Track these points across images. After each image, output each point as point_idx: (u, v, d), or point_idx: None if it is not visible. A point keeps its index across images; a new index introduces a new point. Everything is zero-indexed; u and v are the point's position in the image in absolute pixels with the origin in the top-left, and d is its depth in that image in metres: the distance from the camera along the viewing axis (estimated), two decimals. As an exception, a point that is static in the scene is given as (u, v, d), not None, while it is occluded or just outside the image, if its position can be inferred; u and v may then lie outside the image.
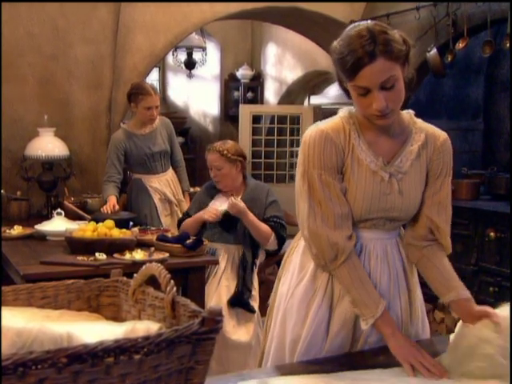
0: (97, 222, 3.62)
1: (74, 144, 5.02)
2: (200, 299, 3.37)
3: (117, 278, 1.60)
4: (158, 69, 9.46)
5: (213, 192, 3.78)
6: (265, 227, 3.56)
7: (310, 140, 1.91)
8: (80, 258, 3.31)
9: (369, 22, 1.83)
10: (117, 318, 1.55)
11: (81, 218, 4.16)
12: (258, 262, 3.76)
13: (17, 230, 4.02)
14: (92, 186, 5.08)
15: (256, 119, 8.12)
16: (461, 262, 5.16)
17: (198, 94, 9.25)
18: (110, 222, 3.57)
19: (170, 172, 4.81)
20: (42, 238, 3.88)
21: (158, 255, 3.40)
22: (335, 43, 1.82)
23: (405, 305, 2.03)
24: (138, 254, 3.38)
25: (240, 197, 3.68)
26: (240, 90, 8.64)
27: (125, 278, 1.59)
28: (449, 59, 5.22)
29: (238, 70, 8.62)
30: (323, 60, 6.70)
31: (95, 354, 1.07)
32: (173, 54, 8.16)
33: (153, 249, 3.52)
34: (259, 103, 8.59)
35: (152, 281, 1.45)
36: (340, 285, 1.94)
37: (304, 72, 7.74)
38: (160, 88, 9.81)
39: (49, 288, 1.53)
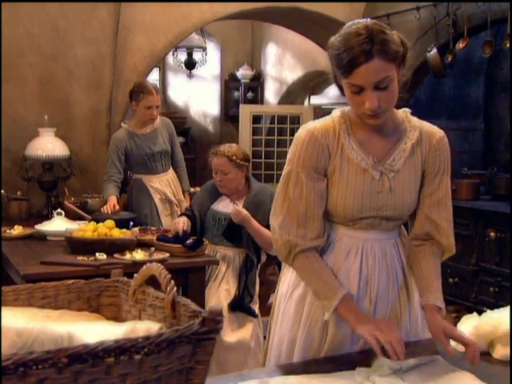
0: (97, 222, 3.62)
1: (74, 144, 5.02)
2: (200, 299, 3.37)
3: (117, 278, 1.60)
4: (158, 69, 9.45)
5: (215, 194, 3.74)
6: (268, 233, 3.47)
7: (298, 139, 1.94)
8: (80, 258, 3.31)
9: (368, 20, 1.83)
10: (117, 318, 1.55)
11: (81, 218, 4.16)
12: (259, 265, 3.74)
13: (17, 230, 4.02)
14: (92, 186, 5.08)
15: (256, 119, 8.11)
16: (461, 262, 5.16)
17: (198, 94, 9.25)
18: (110, 222, 3.57)
19: (171, 172, 4.81)
20: (42, 238, 3.88)
21: (158, 255, 3.40)
22: (333, 39, 1.83)
23: (404, 305, 2.02)
24: (139, 254, 3.38)
25: (243, 200, 3.65)
26: (240, 90, 8.64)
27: (125, 278, 1.59)
28: (449, 59, 5.22)
29: (238, 70, 8.61)
30: (323, 60, 6.70)
31: (96, 354, 1.07)
32: (173, 54, 8.16)
33: (153, 249, 3.52)
34: (259, 103, 8.59)
35: (152, 281, 1.45)
36: (300, 279, 1.98)
37: (304, 72, 7.74)
38: (160, 88, 9.80)
39: (49, 288, 1.53)
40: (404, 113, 2.03)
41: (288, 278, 2.09)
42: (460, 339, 1.78)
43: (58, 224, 3.89)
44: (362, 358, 1.82)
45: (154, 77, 9.46)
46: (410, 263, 2.02)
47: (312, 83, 7.99)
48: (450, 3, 5.13)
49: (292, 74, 8.00)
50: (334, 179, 1.93)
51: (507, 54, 5.74)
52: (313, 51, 6.98)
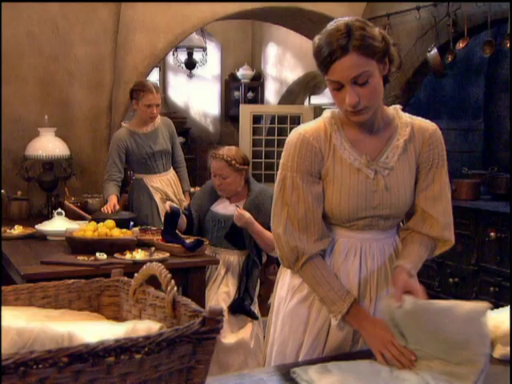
0: (97, 221, 3.62)
1: (74, 144, 5.02)
2: (200, 299, 3.37)
3: (117, 277, 1.60)
4: (158, 69, 9.46)
5: (214, 195, 3.73)
6: (270, 235, 3.43)
7: (289, 143, 1.94)
8: (80, 257, 3.31)
9: (351, 18, 1.83)
10: (117, 317, 1.55)
11: (81, 218, 4.16)
12: (260, 267, 3.73)
13: (17, 230, 4.02)
14: (92, 186, 5.08)
15: (256, 119, 8.11)
16: (461, 262, 5.16)
17: (198, 94, 9.25)
18: (110, 222, 3.57)
19: (171, 172, 4.81)
20: (42, 237, 3.88)
21: (158, 255, 3.40)
22: (316, 37, 1.83)
23: None
24: (139, 254, 3.38)
25: (243, 202, 3.63)
26: (240, 90, 8.63)
27: (125, 278, 1.59)
28: (449, 59, 5.21)
29: (238, 70, 8.61)
30: (323, 60, 6.69)
31: (96, 354, 1.07)
32: (173, 54, 8.16)
33: (153, 249, 3.52)
34: (259, 103, 8.59)
35: (153, 280, 1.45)
36: (307, 285, 1.97)
37: (304, 72, 7.74)
38: (160, 88, 9.79)
39: (49, 288, 1.53)
40: (395, 109, 2.02)
41: (287, 282, 2.08)
42: (415, 292, 1.81)
43: (58, 224, 3.89)
44: (364, 358, 1.82)
45: (154, 77, 9.46)
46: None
47: (312, 83, 7.99)
48: (450, 3, 5.13)
49: (292, 74, 8.00)
50: (328, 181, 1.93)
51: (507, 53, 5.74)
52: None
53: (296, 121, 7.87)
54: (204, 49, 8.27)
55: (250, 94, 8.59)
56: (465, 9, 5.07)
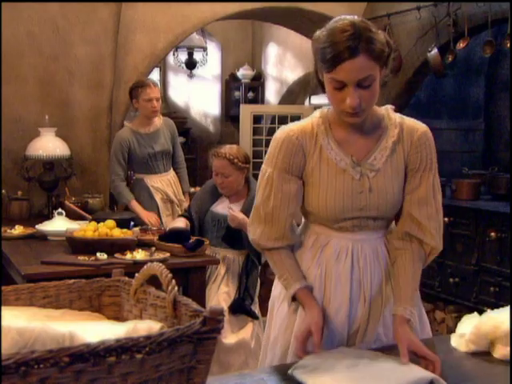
0: (98, 221, 3.62)
1: (74, 144, 5.02)
2: (201, 299, 3.37)
3: (118, 277, 1.60)
4: (158, 69, 9.45)
5: (214, 195, 3.74)
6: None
7: (274, 140, 1.97)
8: (81, 257, 3.31)
9: (355, 17, 1.82)
10: (118, 317, 1.55)
11: (82, 218, 4.16)
12: (259, 267, 3.73)
13: (18, 230, 4.02)
14: (93, 186, 5.08)
15: (257, 119, 8.11)
16: (461, 262, 5.16)
17: (198, 94, 9.25)
18: (110, 222, 3.57)
19: (172, 172, 4.82)
20: (43, 237, 3.88)
21: (158, 255, 3.40)
22: (318, 33, 1.82)
23: None
24: (139, 254, 3.38)
25: (243, 202, 3.65)
26: (241, 90, 8.63)
27: (126, 278, 1.59)
28: (449, 59, 5.21)
29: (238, 70, 8.61)
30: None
31: (97, 354, 1.07)
32: (173, 54, 8.16)
33: (154, 249, 3.52)
34: (260, 103, 8.58)
35: (153, 280, 1.45)
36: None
37: (305, 72, 7.73)
38: (161, 88, 9.80)
39: (50, 288, 1.53)
40: (386, 110, 2.00)
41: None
42: (426, 355, 1.73)
43: (58, 224, 3.89)
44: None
45: (154, 77, 9.44)
46: (391, 263, 1.99)
47: (313, 83, 7.97)
48: (450, 3, 5.13)
49: (292, 73, 8.00)
50: (313, 180, 1.93)
51: (507, 53, 5.74)
52: (313, 51, 6.97)
53: (296, 121, 7.86)
54: (204, 49, 8.26)
55: (250, 94, 8.58)
56: (465, 9, 5.07)
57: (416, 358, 1.73)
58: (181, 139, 8.98)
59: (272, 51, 8.36)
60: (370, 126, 1.94)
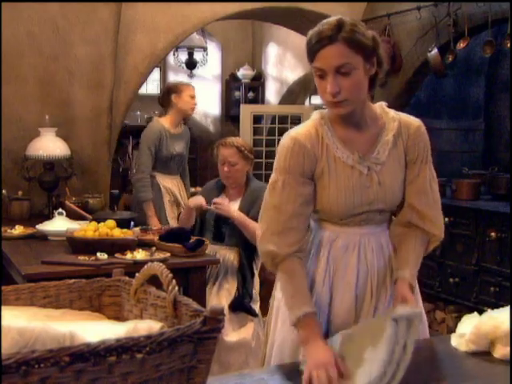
0: (98, 221, 3.62)
1: (75, 144, 5.02)
2: (201, 299, 3.37)
3: (118, 277, 1.60)
4: (158, 69, 9.45)
5: (216, 194, 3.77)
6: (254, 225, 3.48)
7: (282, 147, 1.98)
8: (81, 257, 3.31)
9: (345, 17, 1.91)
10: (119, 317, 1.55)
11: (82, 218, 4.16)
12: (258, 264, 3.76)
13: (18, 230, 4.02)
14: (93, 186, 5.08)
15: (257, 119, 8.11)
16: (462, 262, 5.16)
17: (198, 94, 9.24)
18: (111, 222, 3.57)
19: (180, 176, 4.89)
20: (43, 237, 3.88)
21: (159, 255, 3.40)
22: (311, 30, 1.90)
23: None
24: (140, 254, 3.38)
25: (240, 198, 3.70)
26: (241, 90, 8.63)
27: (126, 278, 1.59)
28: (449, 59, 5.21)
29: (238, 70, 8.61)
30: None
31: (97, 353, 1.07)
32: (174, 54, 8.16)
33: (154, 249, 3.52)
34: (260, 103, 8.58)
35: (154, 280, 1.45)
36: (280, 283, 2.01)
37: (305, 72, 7.73)
38: (161, 88, 9.81)
39: (50, 288, 1.54)
40: (380, 106, 2.06)
41: None
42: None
43: (59, 224, 3.89)
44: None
45: (154, 77, 9.45)
46: (394, 250, 2.05)
47: (313, 83, 7.95)
48: (450, 3, 5.13)
49: (293, 73, 8.00)
50: (324, 181, 1.96)
51: (508, 54, 5.74)
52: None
53: (296, 121, 7.86)
54: (204, 49, 8.26)
55: (250, 94, 8.59)
56: (465, 9, 5.07)
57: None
58: (181, 139, 9.01)
59: (272, 51, 8.36)
60: (368, 121, 1.99)
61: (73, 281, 1.56)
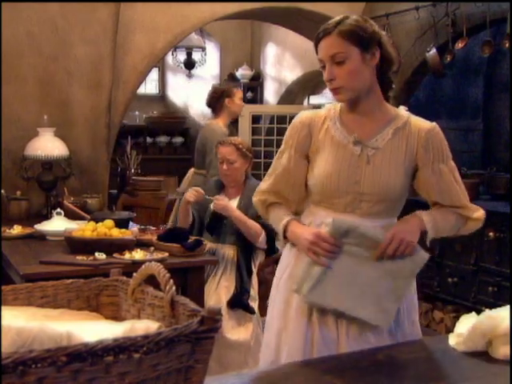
0: (96, 221, 3.62)
1: (73, 144, 5.01)
2: (199, 299, 3.37)
3: (116, 277, 1.60)
4: (157, 69, 9.46)
5: (215, 193, 3.78)
6: (252, 224, 3.57)
7: (292, 123, 2.18)
8: (79, 257, 3.31)
9: (357, 15, 2.11)
10: (116, 317, 1.55)
11: (80, 218, 4.16)
12: (256, 262, 3.77)
13: (16, 230, 4.02)
14: (92, 186, 5.08)
15: (255, 119, 8.11)
16: (460, 262, 5.17)
17: (197, 94, 9.25)
18: (109, 222, 3.58)
19: None
20: (41, 237, 3.88)
21: (157, 255, 3.40)
22: None
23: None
24: (138, 254, 3.38)
25: (239, 196, 3.71)
26: (239, 90, 8.63)
27: (124, 278, 1.59)
28: (448, 59, 5.22)
29: (237, 70, 8.61)
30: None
31: (95, 353, 1.07)
32: (172, 54, 8.16)
33: (152, 248, 3.52)
34: (259, 103, 8.59)
35: (151, 280, 1.45)
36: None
37: (304, 72, 7.74)
38: (159, 88, 9.82)
39: (48, 287, 1.53)
40: (398, 108, 2.16)
41: (280, 269, 2.19)
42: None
43: (57, 224, 3.89)
44: (367, 356, 1.82)
45: (153, 77, 9.47)
46: None
47: (311, 83, 7.99)
48: (449, 3, 5.13)
49: (291, 74, 8.00)
50: (317, 158, 2.08)
51: (506, 54, 5.74)
52: (312, 51, 6.88)
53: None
54: (203, 49, 8.27)
55: (249, 94, 8.59)
56: (464, 9, 5.07)
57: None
58: (179, 139, 9.02)
59: (271, 51, 8.36)
60: (377, 114, 2.08)
61: (71, 281, 1.56)
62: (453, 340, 1.93)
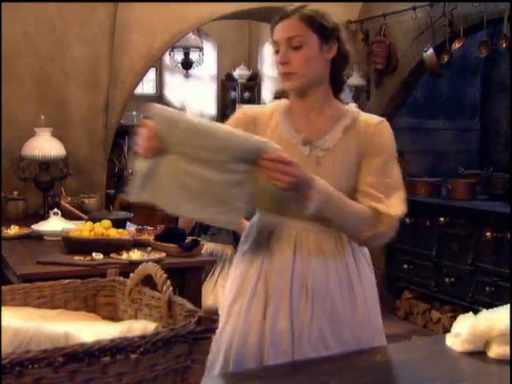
0: (94, 221, 3.62)
1: (70, 144, 5.01)
2: (197, 299, 3.37)
3: (113, 277, 1.60)
4: (154, 69, 9.45)
5: None
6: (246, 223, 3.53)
7: (233, 116, 2.10)
8: (77, 257, 3.31)
9: None
10: (113, 317, 1.55)
11: (78, 218, 4.16)
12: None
13: (14, 230, 4.01)
14: (89, 186, 5.07)
15: (253, 119, 8.11)
16: (457, 262, 5.17)
17: (194, 94, 9.25)
18: (106, 222, 3.57)
19: None
20: (38, 237, 3.88)
21: (154, 255, 3.40)
22: None
23: (347, 305, 1.99)
24: (135, 254, 3.38)
25: None
26: (237, 90, 8.64)
27: (121, 278, 1.59)
28: (445, 59, 5.22)
29: (234, 70, 8.62)
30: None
31: (92, 354, 1.07)
32: (170, 54, 8.15)
33: (150, 249, 3.52)
34: (256, 103, 8.59)
35: (148, 280, 1.45)
36: None
37: (301, 72, 7.74)
38: (157, 88, 9.81)
39: (45, 288, 1.53)
40: (349, 105, 2.08)
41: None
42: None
43: (54, 224, 3.89)
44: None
45: (150, 77, 9.46)
46: None
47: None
48: (446, 3, 5.14)
49: (289, 74, 8.00)
50: None
51: (503, 54, 5.75)
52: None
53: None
54: (200, 49, 8.26)
55: (246, 94, 8.59)
56: (461, 9, 5.07)
57: None
58: (177, 139, 8.99)
59: (268, 51, 8.36)
60: (328, 110, 2.02)
61: (68, 281, 1.56)
62: (450, 340, 1.93)
